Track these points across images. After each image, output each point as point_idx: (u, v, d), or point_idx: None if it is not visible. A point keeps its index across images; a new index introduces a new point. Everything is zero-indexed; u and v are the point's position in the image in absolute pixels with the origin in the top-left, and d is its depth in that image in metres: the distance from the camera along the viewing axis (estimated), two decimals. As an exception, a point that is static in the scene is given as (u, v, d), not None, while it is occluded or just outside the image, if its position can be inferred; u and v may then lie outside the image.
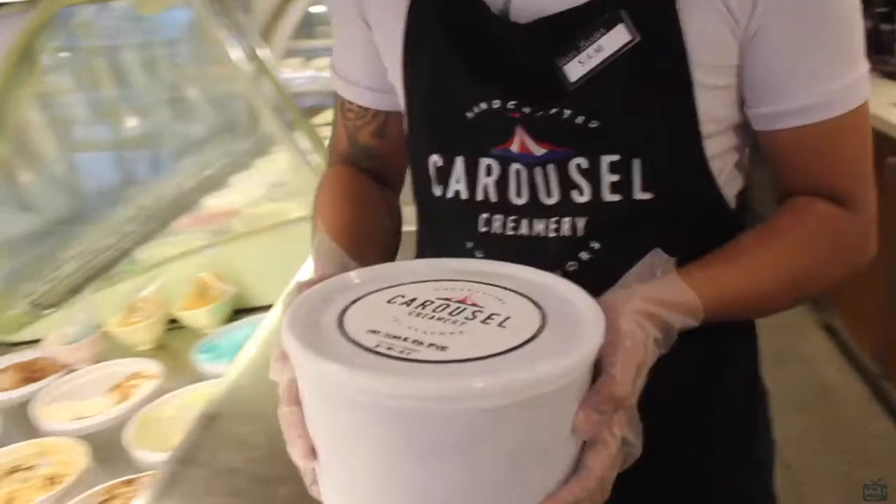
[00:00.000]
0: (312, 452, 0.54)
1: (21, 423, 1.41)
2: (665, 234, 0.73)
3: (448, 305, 0.57)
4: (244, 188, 2.59)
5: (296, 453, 0.55)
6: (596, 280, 0.64)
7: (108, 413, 1.40)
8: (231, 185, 2.64)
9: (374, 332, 0.53)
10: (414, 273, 0.62)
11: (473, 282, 0.60)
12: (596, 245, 0.76)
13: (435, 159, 0.81)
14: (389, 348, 0.51)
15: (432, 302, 0.57)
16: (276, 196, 2.45)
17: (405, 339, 0.52)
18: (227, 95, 2.89)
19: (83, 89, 2.60)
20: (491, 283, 0.60)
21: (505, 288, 0.60)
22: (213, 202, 2.50)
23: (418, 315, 0.55)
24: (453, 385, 0.48)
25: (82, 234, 2.26)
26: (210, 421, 1.24)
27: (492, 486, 0.50)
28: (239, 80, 2.09)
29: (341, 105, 0.93)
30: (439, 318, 0.55)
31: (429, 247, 0.91)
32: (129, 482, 1.19)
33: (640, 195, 0.74)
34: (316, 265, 0.75)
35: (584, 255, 0.76)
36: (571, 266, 0.76)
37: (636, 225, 0.75)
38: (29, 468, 1.28)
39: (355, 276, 0.63)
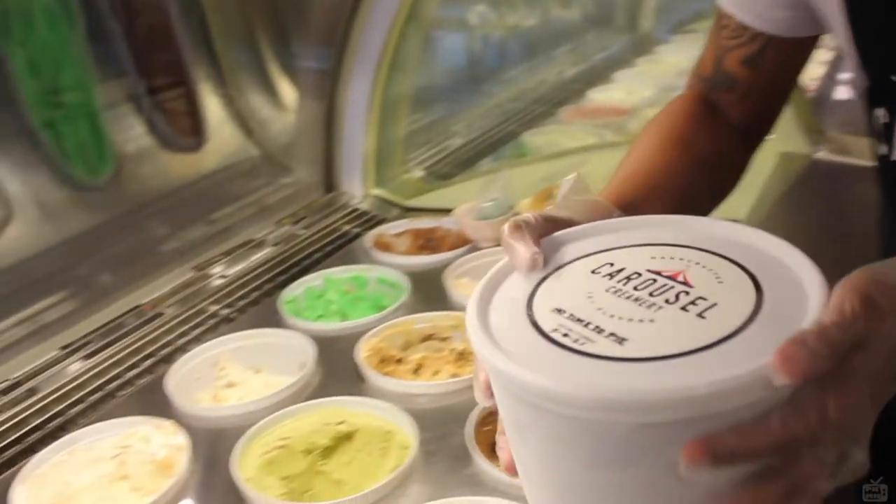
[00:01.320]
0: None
1: (424, 290, 1.35)
2: None
3: (655, 282, 0.50)
4: (630, 86, 2.45)
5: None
6: None
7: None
8: (615, 80, 2.53)
9: (559, 311, 0.49)
10: (650, 233, 0.55)
11: (704, 250, 0.52)
12: None
13: (880, 113, 0.68)
14: (566, 334, 0.47)
15: (639, 275, 0.51)
16: (666, 100, 2.26)
17: (587, 325, 0.47)
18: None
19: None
20: (724, 254, 0.51)
21: (736, 263, 0.50)
22: (599, 96, 2.39)
23: (616, 292, 0.50)
24: (605, 396, 0.42)
25: (468, 110, 2.21)
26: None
27: (660, 498, 0.44)
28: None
29: (718, 19, 0.81)
30: (637, 299, 0.49)
31: (888, 215, 0.80)
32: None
33: None
34: (562, 199, 0.65)
35: None
36: None
37: None
38: (443, 339, 1.24)
39: (576, 232, 0.57)
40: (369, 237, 1.54)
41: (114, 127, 1.53)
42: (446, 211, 1.61)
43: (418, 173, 1.89)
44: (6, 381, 1.21)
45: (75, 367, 1.24)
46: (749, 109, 0.81)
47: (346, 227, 1.63)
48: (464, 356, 1.22)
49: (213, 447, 1.05)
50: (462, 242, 1.51)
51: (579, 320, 0.48)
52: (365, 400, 1.11)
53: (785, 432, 0.39)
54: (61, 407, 1.17)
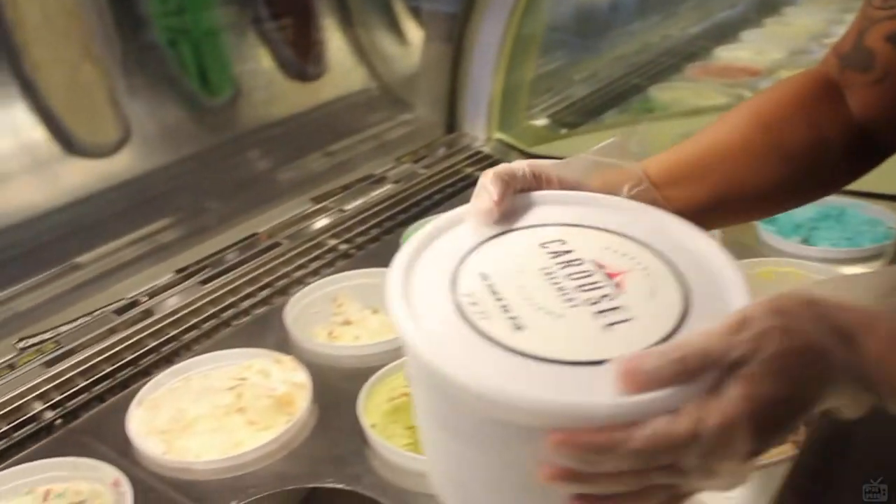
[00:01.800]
0: None
1: None
2: None
3: (590, 275, 0.48)
4: (759, 46, 2.32)
5: None
6: None
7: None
8: (743, 40, 2.42)
9: (483, 276, 0.49)
10: (622, 219, 0.53)
11: (659, 255, 0.50)
12: None
13: None
14: (474, 303, 0.47)
15: (580, 263, 0.49)
16: (798, 64, 2.12)
17: (499, 300, 0.47)
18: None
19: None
20: (675, 265, 0.49)
21: (681, 280, 0.48)
22: (726, 55, 2.27)
23: (547, 275, 0.48)
24: (460, 381, 0.42)
25: (591, 60, 2.11)
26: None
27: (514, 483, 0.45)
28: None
29: None
30: (561, 289, 0.47)
31: None
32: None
33: None
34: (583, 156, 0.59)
35: None
36: None
37: None
38: None
39: (553, 196, 0.55)
40: (493, 182, 1.46)
41: (236, 50, 1.47)
42: (572, 161, 1.52)
43: (542, 120, 1.80)
44: (122, 299, 1.18)
45: (191, 292, 1.19)
46: (879, 99, 0.67)
47: (468, 170, 1.55)
48: None
49: (333, 387, 1.00)
50: None
51: (494, 293, 0.47)
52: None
53: (647, 441, 0.37)
54: (176, 332, 1.13)
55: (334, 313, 1.18)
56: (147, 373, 1.06)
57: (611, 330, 0.44)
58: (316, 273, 1.27)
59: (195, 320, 1.15)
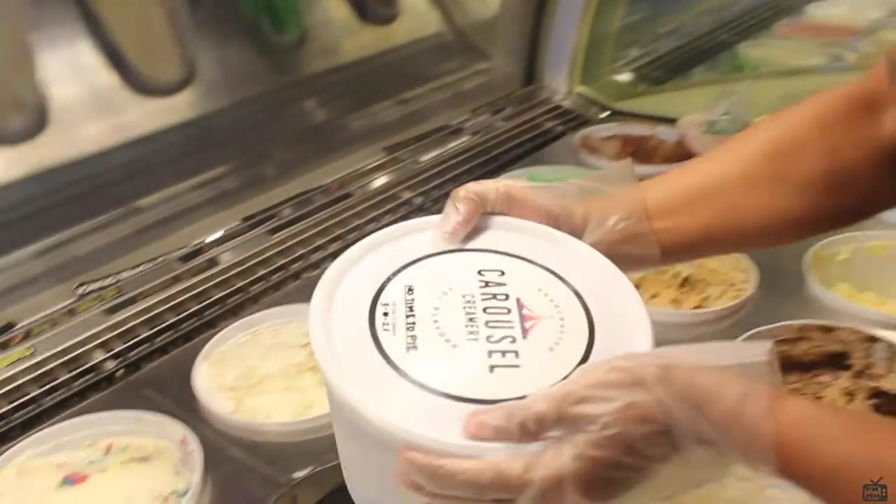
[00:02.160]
0: None
1: None
2: None
3: (507, 312, 0.49)
4: (857, 3, 2.16)
5: None
6: None
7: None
8: None
9: (409, 289, 0.51)
10: (568, 261, 0.54)
11: (583, 303, 0.51)
12: None
13: None
14: (385, 313, 0.49)
15: (505, 298, 0.50)
16: (899, 26, 1.98)
17: (409, 317, 0.49)
18: None
19: None
20: (593, 319, 0.49)
21: (590, 337, 0.48)
22: (819, 13, 2.12)
23: (467, 303, 0.50)
24: (339, 393, 0.45)
25: (676, 14, 1.99)
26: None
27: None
28: None
29: None
30: (472, 320, 0.49)
31: None
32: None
33: None
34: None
35: None
36: None
37: None
38: None
39: (516, 225, 0.56)
40: (577, 137, 1.37)
41: (305, -12, 1.39)
42: (659, 119, 1.43)
43: (626, 75, 1.70)
44: (185, 246, 1.11)
45: (258, 241, 1.12)
46: None
47: (549, 124, 1.46)
48: (689, 283, 1.07)
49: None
50: (677, 155, 1.32)
51: (409, 308, 0.49)
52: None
53: (480, 476, 0.41)
54: (242, 283, 1.06)
55: (408, 269, 1.10)
56: (212, 325, 1.00)
57: (493, 372, 0.46)
58: (389, 226, 1.19)
59: (263, 272, 1.09)
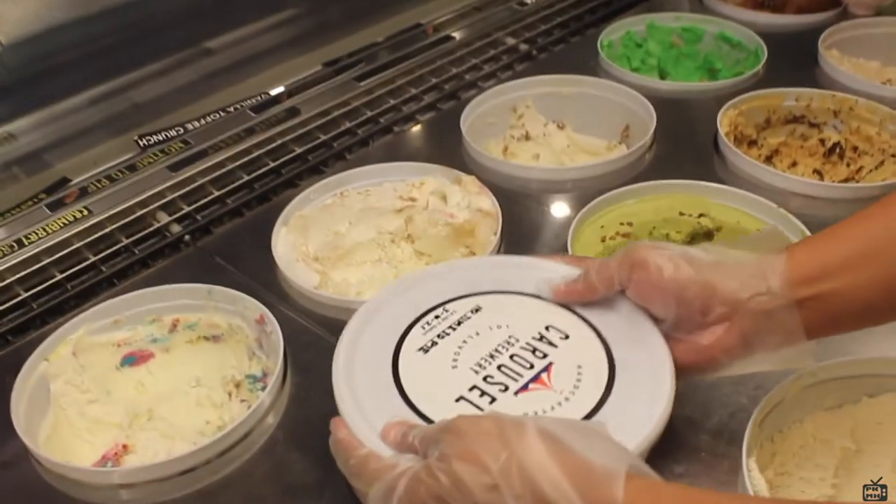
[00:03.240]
0: None
1: (779, 58, 1.04)
2: None
3: (532, 352, 0.52)
4: None
5: None
6: None
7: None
8: None
9: (476, 308, 0.56)
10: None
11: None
12: None
13: None
14: (438, 316, 0.55)
15: (543, 356, 0.52)
16: None
17: (454, 327, 0.54)
18: None
19: None
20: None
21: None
22: None
23: (507, 341, 0.53)
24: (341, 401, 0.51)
25: None
26: None
27: None
28: None
29: None
30: (492, 355, 0.52)
31: None
32: None
33: None
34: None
35: None
36: None
37: None
38: (814, 125, 0.95)
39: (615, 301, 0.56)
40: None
41: None
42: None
43: None
44: (261, 93, 0.97)
45: (343, 89, 0.97)
46: None
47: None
48: (835, 151, 0.90)
49: (519, 216, 0.78)
50: (815, 5, 1.15)
51: (458, 322, 0.55)
52: (739, 193, 0.79)
53: (357, 461, 0.48)
54: (325, 137, 0.92)
55: (512, 125, 0.96)
56: (292, 184, 0.87)
57: (457, 403, 0.49)
58: (491, 76, 1.03)
59: (349, 124, 0.94)
